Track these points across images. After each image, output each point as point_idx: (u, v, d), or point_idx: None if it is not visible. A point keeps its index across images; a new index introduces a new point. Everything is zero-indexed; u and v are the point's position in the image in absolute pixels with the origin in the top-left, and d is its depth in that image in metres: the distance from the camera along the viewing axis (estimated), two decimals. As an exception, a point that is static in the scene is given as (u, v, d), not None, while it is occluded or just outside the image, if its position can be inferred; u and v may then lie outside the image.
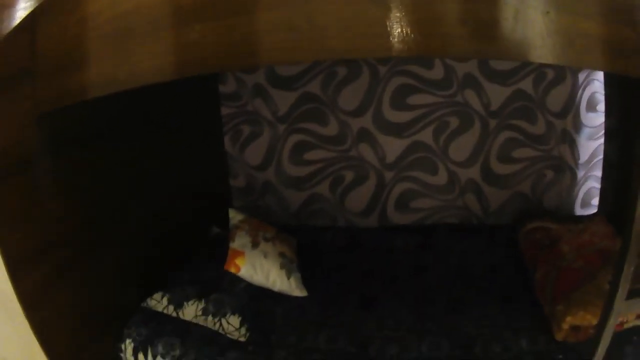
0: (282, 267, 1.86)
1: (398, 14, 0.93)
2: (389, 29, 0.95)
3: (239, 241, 1.88)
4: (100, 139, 1.54)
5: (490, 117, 2.24)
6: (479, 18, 0.92)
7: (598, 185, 2.39)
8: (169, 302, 1.65)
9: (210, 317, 1.62)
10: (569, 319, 1.70)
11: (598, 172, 2.38)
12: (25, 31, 1.13)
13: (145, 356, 1.56)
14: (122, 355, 1.58)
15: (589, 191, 2.39)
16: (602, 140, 2.36)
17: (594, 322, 1.68)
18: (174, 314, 1.64)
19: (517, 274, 2.07)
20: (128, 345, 1.58)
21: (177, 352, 1.53)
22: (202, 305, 1.65)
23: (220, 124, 2.31)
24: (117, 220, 1.60)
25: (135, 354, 1.57)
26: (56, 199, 1.35)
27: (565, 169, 2.35)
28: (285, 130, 2.28)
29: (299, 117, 2.26)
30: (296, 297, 1.84)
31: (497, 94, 2.22)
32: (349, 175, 2.30)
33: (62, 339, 1.37)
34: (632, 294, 1.22)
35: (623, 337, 1.72)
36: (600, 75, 2.27)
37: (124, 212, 1.64)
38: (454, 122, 2.24)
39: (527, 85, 2.23)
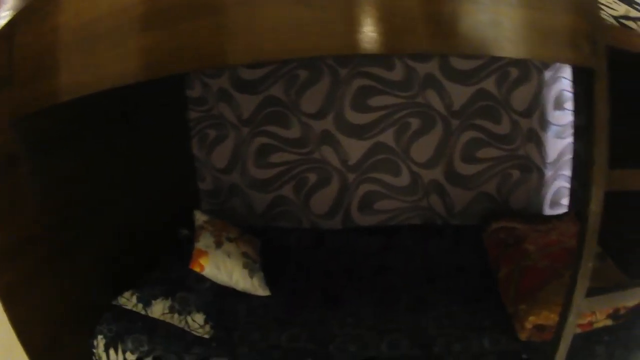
0: (245, 266, 1.87)
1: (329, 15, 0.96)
2: (321, 29, 0.98)
3: (203, 241, 1.89)
4: (77, 141, 1.58)
5: (453, 118, 2.22)
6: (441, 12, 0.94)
7: (568, 185, 2.34)
8: (138, 300, 1.68)
9: (176, 315, 1.65)
10: (532, 318, 1.66)
11: (567, 171, 2.33)
12: (3, 40, 1.21)
13: (116, 352, 1.60)
14: (94, 350, 1.63)
15: (558, 190, 2.34)
16: (571, 139, 2.32)
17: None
18: (143, 312, 1.68)
19: (482, 274, 2.04)
20: (100, 341, 1.62)
21: (145, 348, 1.57)
22: (168, 303, 1.67)
23: (187, 128, 2.34)
24: (91, 221, 1.65)
25: (106, 350, 1.61)
26: (34, 199, 1.40)
27: (532, 168, 2.31)
28: (249, 134, 2.30)
29: (262, 120, 2.27)
30: (259, 296, 1.84)
31: (459, 93, 2.20)
32: (312, 178, 2.30)
33: (40, 333, 1.42)
34: (593, 292, 1.20)
35: (593, 337, 1.67)
36: (568, 73, 2.24)
37: (98, 213, 1.68)
38: (415, 123, 2.22)
39: (490, 84, 2.21)
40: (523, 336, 1.63)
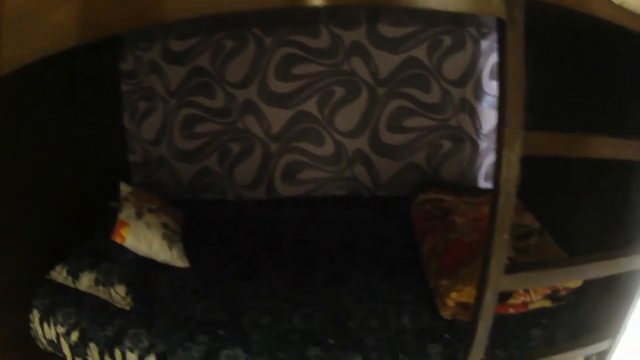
0: (164, 237, 1.82)
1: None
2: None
3: (125, 212, 1.84)
4: (10, 116, 1.54)
5: (379, 86, 2.13)
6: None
7: (506, 157, 2.20)
8: (67, 274, 1.67)
9: (101, 287, 1.62)
10: (453, 295, 1.54)
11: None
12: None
13: (49, 325, 1.60)
14: (31, 325, 1.63)
15: (494, 163, 2.19)
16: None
17: None
18: (72, 285, 1.65)
19: (407, 247, 1.92)
20: (35, 316, 1.62)
21: (73, 321, 1.56)
22: (94, 275, 1.64)
23: (120, 101, 2.35)
24: (27, 196, 1.62)
25: (41, 324, 1.61)
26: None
27: (464, 139, 2.18)
28: (176, 105, 2.27)
29: (189, 91, 2.24)
30: (180, 268, 1.79)
31: (387, 61, 2.12)
32: (235, 148, 2.23)
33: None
34: (515, 268, 1.08)
35: (529, 318, 1.52)
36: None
37: (33, 188, 1.66)
38: (339, 91, 2.14)
39: (420, 52, 2.12)
40: (446, 314, 1.52)
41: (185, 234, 1.93)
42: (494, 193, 1.02)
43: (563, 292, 1.58)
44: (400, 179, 2.16)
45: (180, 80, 2.25)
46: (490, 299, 1.10)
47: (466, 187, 2.19)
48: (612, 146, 1.08)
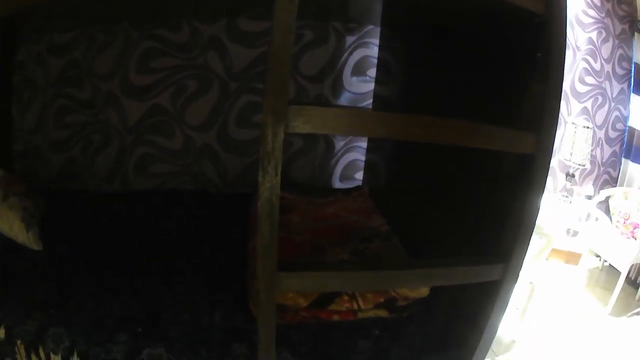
0: (22, 220, 1.79)
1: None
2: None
3: None
4: None
5: (232, 80, 2.05)
6: None
7: (363, 158, 2.02)
8: None
9: None
10: None
11: (363, 143, 2.02)
12: None
13: None
14: None
15: (350, 164, 2.03)
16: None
17: (304, 303, 1.37)
18: None
19: (241, 245, 1.81)
20: None
21: None
22: None
23: (10, 92, 2.41)
24: None
25: None
26: None
27: (318, 138, 2.04)
28: (51, 95, 2.31)
29: (62, 83, 2.27)
30: (35, 251, 1.76)
31: (242, 56, 2.03)
32: (97, 139, 2.22)
33: None
34: (290, 267, 0.96)
35: (357, 328, 1.38)
36: (376, 39, 1.98)
37: None
38: (192, 85, 2.07)
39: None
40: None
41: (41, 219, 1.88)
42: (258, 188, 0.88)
43: (402, 302, 1.40)
44: (247, 176, 2.05)
45: (58, 73, 2.27)
46: (266, 299, 0.97)
47: (316, 187, 2.04)
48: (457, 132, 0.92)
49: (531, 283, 1.96)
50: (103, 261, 1.74)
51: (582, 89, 2.54)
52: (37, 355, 1.33)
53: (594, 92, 2.60)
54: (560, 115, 2.53)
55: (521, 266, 1.04)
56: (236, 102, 2.03)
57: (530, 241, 1.04)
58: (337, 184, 2.06)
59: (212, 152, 2.07)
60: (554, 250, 2.63)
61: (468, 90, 1.30)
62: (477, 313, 1.12)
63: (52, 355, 1.32)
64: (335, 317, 1.38)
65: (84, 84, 2.19)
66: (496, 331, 1.12)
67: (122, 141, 2.15)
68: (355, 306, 1.39)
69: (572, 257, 2.66)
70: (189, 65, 2.04)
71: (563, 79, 0.89)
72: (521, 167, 1.00)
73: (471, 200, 1.25)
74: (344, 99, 2.00)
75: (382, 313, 1.40)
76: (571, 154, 2.45)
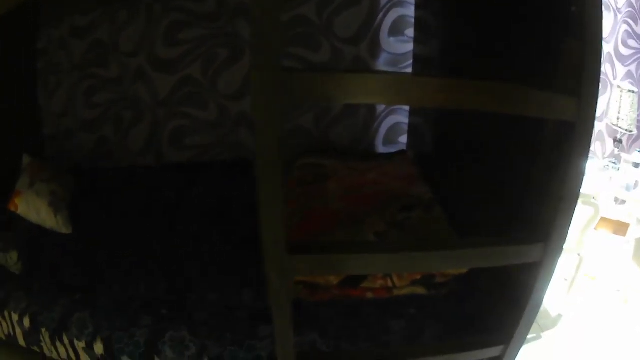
0: (50, 205, 1.80)
1: None
2: None
3: (21, 182, 1.84)
4: None
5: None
6: None
7: (406, 121, 1.90)
8: None
9: (1, 253, 1.59)
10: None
11: (406, 106, 1.90)
12: None
13: None
14: None
15: (394, 127, 1.90)
16: (410, 70, 1.90)
17: (335, 280, 1.25)
18: None
19: None
20: None
21: None
22: None
23: (35, 78, 2.36)
24: None
25: None
26: None
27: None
28: (78, 77, 2.24)
29: (88, 63, 2.21)
30: (64, 234, 1.76)
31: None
32: (128, 115, 2.14)
33: None
34: (301, 249, 0.84)
35: (392, 306, 1.26)
36: None
37: None
38: (223, 53, 1.98)
39: (309, 10, 1.92)
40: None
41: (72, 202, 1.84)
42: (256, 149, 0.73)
43: (440, 279, 1.27)
44: (287, 144, 1.94)
45: (82, 54, 2.21)
46: (277, 282, 0.84)
47: (358, 152, 1.92)
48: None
49: (579, 255, 1.81)
50: (133, 241, 1.66)
51: (625, 52, 2.40)
52: (62, 342, 1.27)
53: (637, 56, 2.45)
54: (605, 78, 2.39)
55: (563, 245, 0.91)
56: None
57: (573, 217, 0.90)
58: (381, 149, 1.94)
59: (249, 120, 1.97)
60: (602, 220, 2.46)
61: (506, 49, 1.18)
62: (517, 294, 1.00)
63: (76, 342, 1.26)
64: (369, 295, 1.27)
65: (109, 61, 2.12)
66: (537, 313, 0.99)
67: (154, 115, 2.06)
68: (389, 283, 1.27)
69: (620, 227, 2.49)
70: (217, 34, 1.95)
71: (602, 35, 0.76)
72: (562, 134, 0.87)
73: (512, 170, 1.13)
74: (382, 61, 1.89)
75: (420, 290, 1.28)
76: (618, 119, 2.31)
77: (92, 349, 1.24)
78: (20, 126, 2.20)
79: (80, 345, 1.26)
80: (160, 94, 2.05)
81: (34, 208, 1.76)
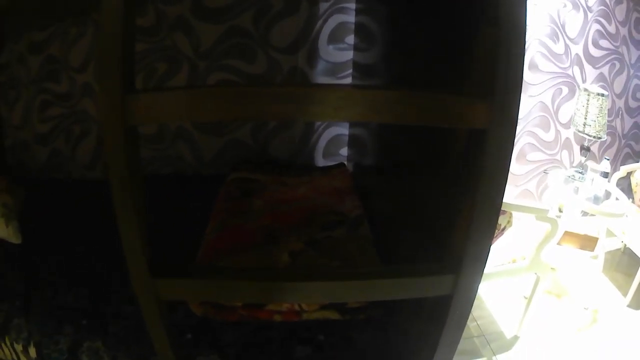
0: (2, 215, 1.78)
1: None
2: None
3: None
4: None
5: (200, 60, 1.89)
6: None
7: (347, 132, 1.81)
8: None
9: None
10: None
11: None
12: None
13: None
14: None
15: (334, 139, 1.81)
16: (349, 80, 1.81)
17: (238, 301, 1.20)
18: None
19: None
20: None
21: None
22: None
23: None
24: None
25: None
26: None
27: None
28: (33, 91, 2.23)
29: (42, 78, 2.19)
30: (14, 244, 1.70)
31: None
32: (76, 130, 2.13)
33: None
34: (165, 271, 0.79)
35: (300, 331, 1.18)
36: (353, 2, 1.78)
37: None
38: (162, 67, 1.93)
39: (244, 21, 1.85)
40: (198, 311, 1.22)
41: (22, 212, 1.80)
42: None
43: (353, 304, 1.19)
44: (224, 157, 1.87)
45: (37, 68, 2.21)
46: (146, 306, 0.79)
47: (295, 165, 1.83)
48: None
49: (536, 274, 1.67)
50: (69, 251, 1.64)
51: (596, 53, 2.23)
52: (5, 344, 1.28)
53: (610, 58, 2.27)
54: (573, 82, 2.22)
55: (478, 277, 0.75)
56: (206, 82, 1.86)
57: (490, 245, 0.74)
58: (320, 162, 1.85)
59: (188, 133, 1.90)
60: (567, 234, 2.30)
61: (424, 46, 1.05)
62: (430, 328, 0.86)
63: (15, 345, 1.28)
64: (277, 318, 1.17)
65: (61, 76, 2.10)
66: (453, 351, 0.86)
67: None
68: (297, 307, 1.18)
69: (588, 242, 2.31)
70: (158, 47, 1.90)
71: (525, 20, 0.58)
72: (473, 144, 0.70)
73: (426, 187, 0.97)
74: (321, 70, 1.80)
75: (332, 315, 1.18)
76: (584, 125, 2.14)
77: (28, 352, 1.27)
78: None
79: (18, 348, 1.26)
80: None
81: (-15, 218, 1.61)
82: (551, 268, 1.71)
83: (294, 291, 0.74)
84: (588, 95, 2.07)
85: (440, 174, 0.88)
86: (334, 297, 0.83)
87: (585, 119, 2.06)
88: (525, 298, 1.73)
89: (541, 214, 1.50)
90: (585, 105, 2.05)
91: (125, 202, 0.66)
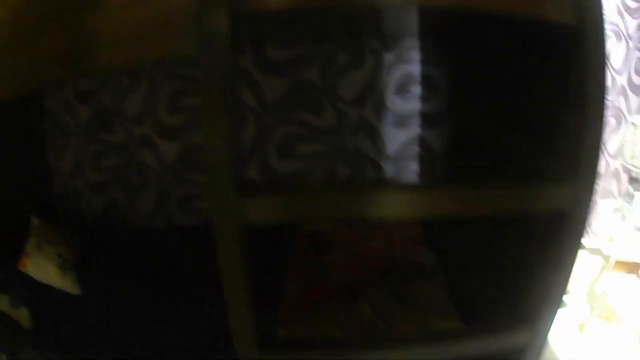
0: (59, 267, 1.87)
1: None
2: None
3: (29, 244, 1.90)
4: None
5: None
6: None
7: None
8: None
9: (13, 309, 1.64)
10: None
11: (414, 165, 1.82)
12: None
13: None
14: None
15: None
16: (417, 129, 1.82)
17: None
18: None
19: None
20: None
21: None
22: (7, 297, 1.67)
23: (43, 137, 2.33)
24: None
25: None
26: None
27: (365, 162, 1.84)
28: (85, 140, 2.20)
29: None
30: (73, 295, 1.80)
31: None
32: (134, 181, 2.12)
33: None
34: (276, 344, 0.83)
35: None
36: (416, 53, 1.77)
37: None
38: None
39: (311, 74, 1.84)
40: None
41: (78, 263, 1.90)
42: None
43: None
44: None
45: (88, 117, 2.17)
46: None
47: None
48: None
49: (591, 305, 1.72)
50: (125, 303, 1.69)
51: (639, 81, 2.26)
52: None
53: (654, 85, 2.30)
54: (620, 113, 2.25)
55: (548, 331, 0.91)
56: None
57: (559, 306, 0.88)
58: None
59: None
60: (616, 262, 2.35)
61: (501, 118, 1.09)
62: None
63: None
64: None
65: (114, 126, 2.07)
66: None
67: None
68: None
69: (634, 267, 2.37)
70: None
71: (604, 110, 0.67)
72: (551, 222, 0.84)
73: (507, 252, 1.12)
74: (389, 121, 1.80)
75: None
76: (632, 157, 2.17)
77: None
78: (30, 185, 2.18)
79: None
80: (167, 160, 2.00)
81: (42, 270, 1.83)
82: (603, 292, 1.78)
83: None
84: (635, 127, 2.10)
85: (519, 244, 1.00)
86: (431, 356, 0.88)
87: (633, 151, 2.10)
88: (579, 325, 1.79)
89: (594, 250, 1.55)
90: (633, 137, 2.08)
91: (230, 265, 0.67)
